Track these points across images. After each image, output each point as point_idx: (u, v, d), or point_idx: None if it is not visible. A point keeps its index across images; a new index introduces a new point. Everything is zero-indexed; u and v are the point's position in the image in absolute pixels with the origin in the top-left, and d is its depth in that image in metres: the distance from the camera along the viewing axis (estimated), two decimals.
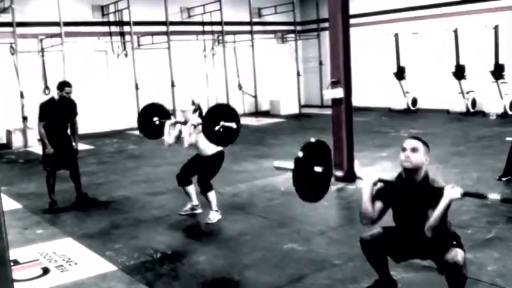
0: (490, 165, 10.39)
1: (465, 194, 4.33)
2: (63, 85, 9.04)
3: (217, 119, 7.19)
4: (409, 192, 4.69)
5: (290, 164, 4.86)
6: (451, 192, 4.33)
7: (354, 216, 8.14)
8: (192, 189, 8.20)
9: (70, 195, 9.42)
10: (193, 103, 7.89)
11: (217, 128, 7.16)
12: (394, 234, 4.90)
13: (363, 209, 4.82)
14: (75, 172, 9.34)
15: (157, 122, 8.37)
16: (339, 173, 5.29)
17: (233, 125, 7.25)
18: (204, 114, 7.63)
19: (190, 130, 7.69)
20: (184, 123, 7.84)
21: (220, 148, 7.86)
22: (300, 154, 4.85)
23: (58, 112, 9.01)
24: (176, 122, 8.08)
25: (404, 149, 4.63)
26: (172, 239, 7.42)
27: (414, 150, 4.59)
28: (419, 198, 4.60)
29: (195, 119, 7.76)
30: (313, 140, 5.00)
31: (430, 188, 4.58)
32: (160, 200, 9.39)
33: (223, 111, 7.46)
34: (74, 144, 9.28)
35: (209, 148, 7.78)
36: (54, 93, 9.16)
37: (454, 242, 4.61)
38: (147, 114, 8.52)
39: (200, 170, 7.95)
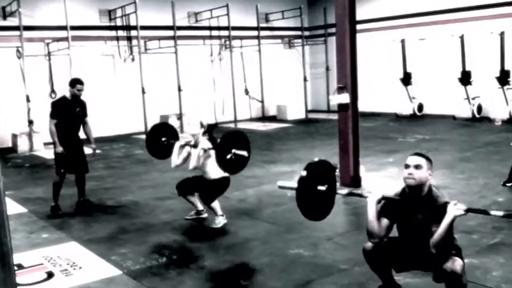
0: (496, 171, 10.37)
1: (468, 210, 4.37)
2: (75, 82, 8.96)
3: (230, 146, 7.22)
4: (413, 208, 4.72)
5: (293, 184, 4.87)
6: (455, 210, 4.36)
7: (361, 222, 8.12)
8: (193, 197, 8.13)
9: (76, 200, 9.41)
10: (202, 125, 7.85)
11: (229, 156, 7.19)
12: (397, 244, 4.91)
13: (370, 227, 4.85)
14: (82, 176, 9.29)
15: (165, 143, 8.38)
16: (343, 191, 5.29)
17: (245, 153, 7.30)
18: (213, 137, 7.75)
19: (200, 153, 7.69)
20: (195, 146, 7.84)
21: (225, 174, 7.81)
22: (303, 173, 4.86)
23: (71, 111, 8.95)
24: (186, 144, 8.06)
25: (407, 166, 4.67)
26: (179, 243, 7.43)
27: (417, 167, 4.64)
28: (423, 214, 4.64)
29: (205, 141, 7.76)
30: (316, 159, 5.03)
31: (433, 204, 4.61)
32: (168, 205, 9.38)
33: (235, 138, 7.49)
34: (94, 146, 9.38)
35: (213, 173, 7.75)
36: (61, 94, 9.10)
37: (453, 251, 4.61)
38: (156, 134, 8.54)
39: (202, 191, 7.94)
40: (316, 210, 5.06)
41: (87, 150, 9.41)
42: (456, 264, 4.47)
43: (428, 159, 4.72)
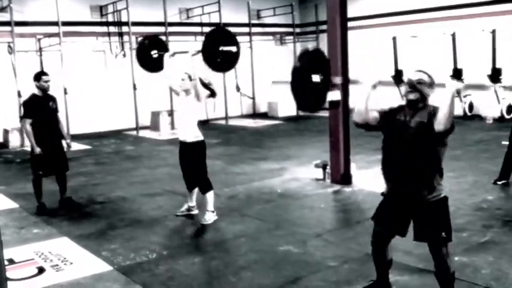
0: (486, 169, 10.41)
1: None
2: (40, 74, 8.77)
3: (216, 45, 7.13)
4: (408, 116, 4.67)
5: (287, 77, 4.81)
6: (454, 83, 4.37)
7: (350, 219, 8.19)
8: (196, 190, 8.23)
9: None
10: (190, 78, 7.67)
11: (218, 53, 7.11)
12: (389, 202, 4.89)
13: (358, 106, 4.83)
14: (63, 175, 9.15)
15: (155, 55, 8.33)
16: (337, 80, 5.28)
17: (233, 48, 7.21)
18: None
19: (190, 62, 7.61)
20: (186, 52, 7.74)
21: (200, 137, 7.84)
22: (298, 64, 4.81)
23: (44, 107, 8.73)
24: (175, 53, 7.99)
25: (409, 81, 4.66)
26: (168, 239, 7.44)
27: (420, 82, 4.63)
28: (417, 122, 4.60)
29: (200, 86, 7.66)
30: (310, 48, 4.97)
31: (431, 109, 4.57)
32: (157, 201, 9.39)
33: (220, 34, 7.40)
34: (68, 141, 9.15)
35: (190, 132, 7.80)
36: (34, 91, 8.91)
37: (444, 234, 4.62)
38: (145, 48, 8.47)
39: (191, 164, 7.96)
40: (311, 102, 5.02)
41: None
42: (448, 261, 4.54)
43: (430, 76, 4.71)
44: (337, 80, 4.94)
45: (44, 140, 8.70)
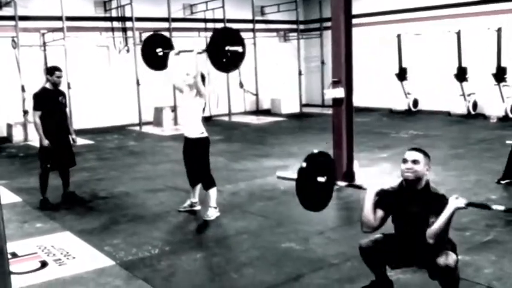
0: (489, 168, 10.39)
1: (469, 204, 4.39)
2: (54, 69, 8.80)
3: (222, 44, 7.15)
4: (410, 201, 4.73)
5: (293, 175, 4.91)
6: (456, 201, 4.38)
7: (353, 217, 8.17)
8: (198, 186, 8.26)
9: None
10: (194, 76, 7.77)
11: (223, 52, 7.14)
12: (393, 241, 4.93)
13: (365, 217, 4.87)
14: (67, 170, 9.18)
15: (161, 53, 8.36)
16: (342, 183, 5.35)
17: (239, 48, 7.23)
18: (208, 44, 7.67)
19: (196, 60, 7.68)
20: (191, 51, 7.81)
21: (204, 134, 7.90)
22: (304, 164, 4.89)
23: (54, 101, 8.78)
24: (180, 51, 8.01)
25: (405, 161, 4.70)
26: (171, 235, 7.45)
27: (415, 162, 4.65)
28: (419, 207, 4.65)
29: (201, 84, 7.71)
30: (316, 151, 5.05)
31: (432, 195, 4.65)
32: (160, 196, 9.40)
33: (226, 34, 7.42)
34: (74, 136, 9.15)
35: (194, 128, 7.84)
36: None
37: (448, 246, 4.64)
38: (150, 46, 8.50)
39: (194, 160, 7.98)
40: (315, 201, 5.09)
41: None
42: (449, 258, 4.49)
43: (426, 154, 4.75)
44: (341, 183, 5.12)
45: (52, 133, 8.74)
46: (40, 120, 8.69)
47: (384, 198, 4.90)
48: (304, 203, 5.00)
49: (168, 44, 8.49)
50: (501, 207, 4.40)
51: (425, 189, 4.70)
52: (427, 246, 4.54)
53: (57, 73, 8.75)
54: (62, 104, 8.93)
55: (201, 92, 7.69)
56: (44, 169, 8.94)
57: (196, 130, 7.83)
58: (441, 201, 4.48)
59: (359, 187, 5.20)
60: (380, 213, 4.88)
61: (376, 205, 4.88)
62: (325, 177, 4.97)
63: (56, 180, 9.23)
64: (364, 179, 9.73)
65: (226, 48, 7.14)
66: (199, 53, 7.62)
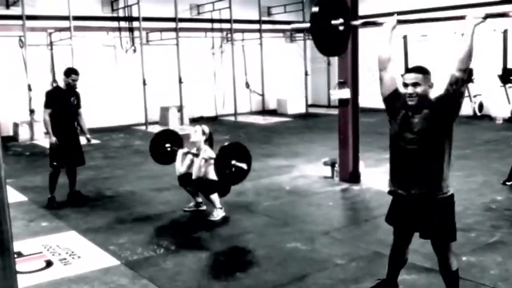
0: (495, 169, 10.37)
1: (487, 16, 4.45)
2: (70, 72, 8.86)
3: (229, 158, 7.29)
4: (412, 111, 4.60)
5: (306, 24, 4.83)
6: (472, 19, 4.47)
7: (359, 217, 8.19)
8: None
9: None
10: (203, 133, 7.96)
11: (229, 168, 7.27)
12: (397, 202, 4.80)
13: (381, 51, 4.88)
14: (74, 168, 9.21)
15: (169, 149, 8.51)
16: (358, 22, 5.30)
17: (244, 166, 7.35)
18: (213, 146, 7.91)
19: (201, 163, 7.78)
20: (197, 155, 7.92)
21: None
22: (315, 9, 4.78)
23: (66, 101, 8.82)
24: (188, 152, 8.11)
25: (406, 85, 4.58)
26: (176, 234, 7.44)
27: (416, 85, 4.53)
28: (422, 114, 4.54)
29: (206, 151, 7.88)
30: None
31: (436, 100, 4.54)
32: (166, 196, 9.41)
33: (235, 149, 7.55)
34: (88, 136, 9.19)
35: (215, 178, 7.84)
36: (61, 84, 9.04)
37: (447, 232, 4.60)
38: (160, 140, 8.66)
39: (202, 186, 8.02)
40: (333, 46, 5.02)
41: (82, 140, 9.28)
42: (453, 265, 4.52)
43: (425, 71, 4.63)
44: None
45: (60, 132, 8.79)
46: (50, 118, 8.74)
47: (394, 90, 4.90)
48: (321, 49, 4.90)
49: (177, 141, 8.70)
50: None
51: (427, 101, 4.56)
52: (425, 174, 4.49)
53: (73, 76, 8.82)
54: (73, 105, 8.95)
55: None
56: (53, 168, 8.98)
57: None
58: (445, 99, 4.45)
59: (374, 23, 5.13)
60: (393, 75, 4.90)
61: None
62: (341, 20, 4.85)
63: (62, 179, 9.24)
64: (369, 180, 9.76)
65: (233, 162, 7.28)
66: (206, 160, 7.71)
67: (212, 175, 7.68)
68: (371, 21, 5.28)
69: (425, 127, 4.49)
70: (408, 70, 4.71)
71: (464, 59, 4.34)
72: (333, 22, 4.87)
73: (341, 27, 4.94)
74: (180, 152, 8.20)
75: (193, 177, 7.86)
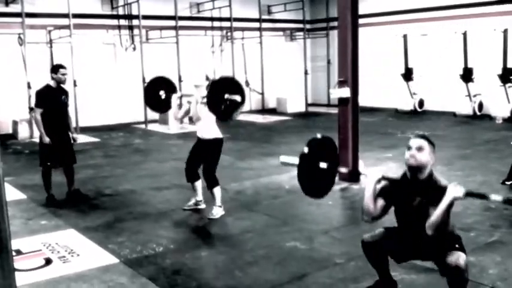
0: (495, 169, 10.36)
1: (468, 194, 4.30)
2: (58, 67, 8.77)
3: (222, 92, 7.22)
4: (413, 190, 4.64)
5: (296, 160, 4.87)
6: (454, 191, 4.30)
7: (358, 216, 8.12)
8: (199, 184, 8.24)
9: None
10: (207, 78, 7.96)
11: (222, 101, 7.21)
12: (396, 234, 4.88)
13: (365, 205, 4.80)
14: (70, 167, 9.18)
15: (163, 96, 8.44)
16: (344, 170, 5.32)
17: (238, 98, 7.27)
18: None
19: (198, 100, 7.92)
20: (191, 95, 8.03)
21: (219, 135, 8.01)
22: (306, 149, 4.85)
23: (57, 99, 8.77)
24: (182, 95, 8.11)
25: (409, 148, 4.59)
26: (176, 233, 7.45)
27: (420, 149, 4.55)
28: (422, 196, 4.57)
29: (202, 91, 7.89)
30: (319, 135, 5.00)
31: (433, 186, 4.54)
32: (165, 194, 9.40)
33: (226, 83, 7.49)
34: (74, 135, 9.14)
35: (207, 131, 7.93)
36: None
37: (457, 245, 4.60)
38: (154, 88, 8.56)
39: (203, 159, 7.99)
40: (316, 188, 5.05)
41: None
42: (460, 258, 4.45)
43: (431, 142, 4.65)
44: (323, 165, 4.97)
45: (52, 131, 8.74)
46: (41, 117, 8.70)
47: (386, 187, 4.83)
48: (305, 188, 4.95)
49: (171, 87, 8.63)
50: (499, 198, 4.34)
51: (428, 180, 4.60)
52: (431, 239, 4.48)
53: (61, 70, 8.74)
54: (63, 103, 8.91)
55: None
56: (45, 167, 8.97)
57: (213, 133, 7.93)
58: (442, 192, 4.37)
59: (359, 174, 5.19)
60: (381, 202, 4.80)
61: (378, 194, 4.81)
62: (327, 164, 4.91)
63: (61, 177, 9.24)
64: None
65: (226, 96, 7.21)
66: (203, 97, 7.76)
67: (205, 122, 7.88)
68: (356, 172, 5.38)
69: (423, 213, 4.56)
70: (416, 136, 4.76)
71: (433, 225, 4.34)
72: (321, 165, 4.94)
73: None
74: (175, 96, 8.30)
75: (198, 134, 8.03)
